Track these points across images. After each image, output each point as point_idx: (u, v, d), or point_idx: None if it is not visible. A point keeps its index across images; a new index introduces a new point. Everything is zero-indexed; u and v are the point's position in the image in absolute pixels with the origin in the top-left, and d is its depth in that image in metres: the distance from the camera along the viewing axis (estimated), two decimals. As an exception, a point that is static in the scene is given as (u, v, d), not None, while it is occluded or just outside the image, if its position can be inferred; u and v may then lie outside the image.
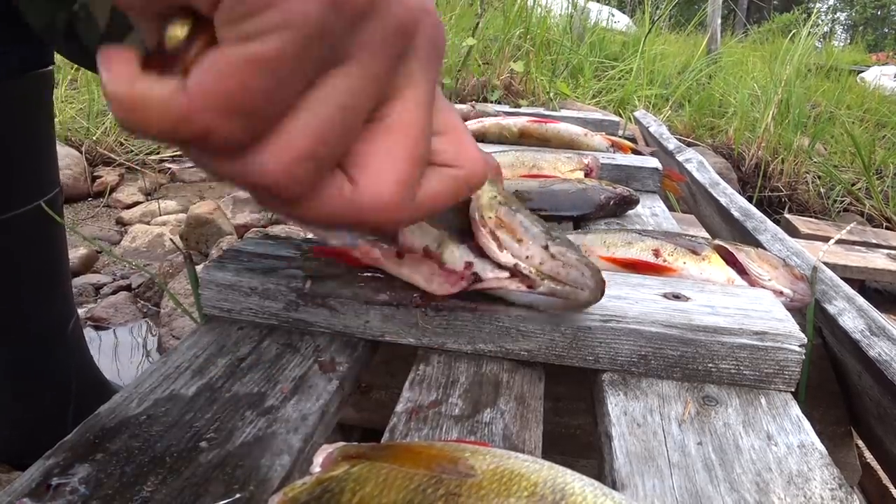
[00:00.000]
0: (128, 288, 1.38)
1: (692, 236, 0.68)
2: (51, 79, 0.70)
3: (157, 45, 0.22)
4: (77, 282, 1.38)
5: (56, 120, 2.10)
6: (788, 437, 0.40)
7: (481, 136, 1.30)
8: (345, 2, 0.21)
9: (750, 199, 2.08)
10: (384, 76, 0.23)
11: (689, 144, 2.08)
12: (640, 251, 0.65)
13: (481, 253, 0.44)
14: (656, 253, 0.64)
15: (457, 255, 0.45)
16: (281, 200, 0.23)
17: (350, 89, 0.22)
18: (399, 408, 0.42)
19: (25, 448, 0.74)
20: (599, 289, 0.44)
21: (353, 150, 0.24)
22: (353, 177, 0.24)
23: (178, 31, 0.22)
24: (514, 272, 0.44)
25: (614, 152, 1.24)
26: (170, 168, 2.12)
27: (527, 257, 0.44)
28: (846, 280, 0.72)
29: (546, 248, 0.44)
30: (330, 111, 0.22)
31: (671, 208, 1.54)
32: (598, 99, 2.94)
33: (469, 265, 0.44)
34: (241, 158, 0.22)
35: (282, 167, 0.22)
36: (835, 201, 2.49)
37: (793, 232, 1.81)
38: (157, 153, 2.18)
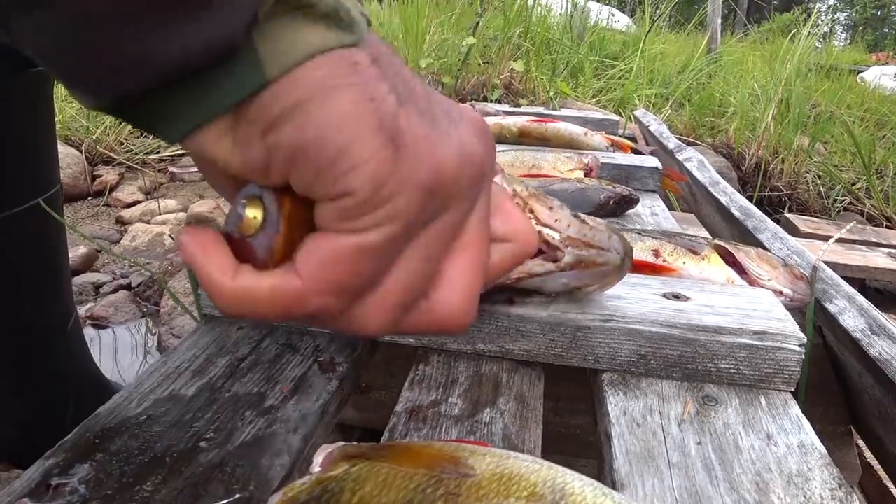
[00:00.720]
0: (128, 287, 1.38)
1: (692, 236, 0.68)
2: (51, 77, 0.70)
3: (236, 224, 0.24)
4: (77, 281, 1.38)
5: (56, 119, 2.09)
6: (788, 436, 0.40)
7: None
8: (438, 190, 0.23)
9: (750, 199, 2.08)
10: (463, 222, 0.26)
11: (689, 144, 2.08)
12: (639, 251, 0.65)
13: None
14: (656, 253, 0.64)
15: None
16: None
17: (435, 242, 0.25)
18: (399, 408, 0.42)
19: (25, 448, 0.74)
20: (627, 254, 0.44)
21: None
22: (427, 293, 0.26)
23: (254, 214, 0.23)
24: (537, 249, 0.44)
25: (614, 151, 1.24)
26: (170, 168, 2.12)
27: (556, 220, 0.44)
28: (846, 279, 0.71)
29: (576, 215, 0.44)
30: (419, 265, 0.25)
31: (671, 207, 1.54)
32: (598, 98, 2.94)
33: None
34: (343, 317, 0.25)
35: (379, 320, 0.25)
36: (835, 200, 2.49)
37: (793, 231, 1.81)
38: (157, 152, 2.18)
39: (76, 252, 1.45)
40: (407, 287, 0.25)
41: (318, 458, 0.30)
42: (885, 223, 2.33)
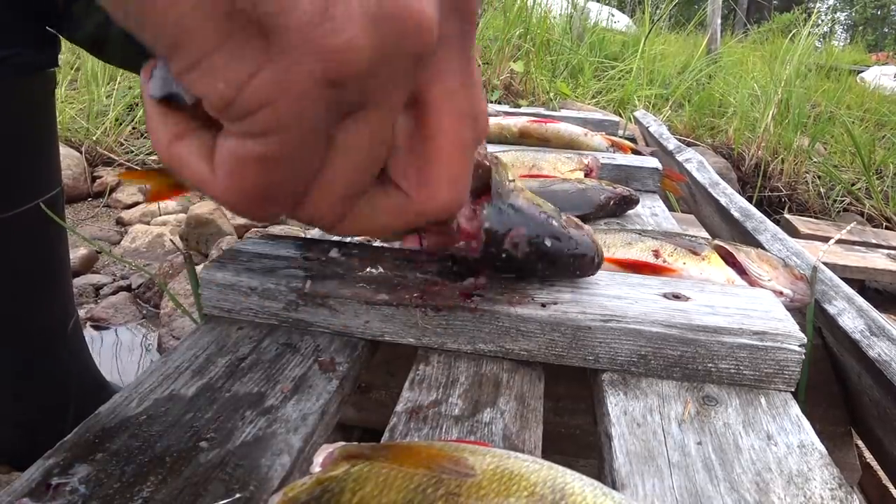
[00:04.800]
0: (128, 288, 1.38)
1: (692, 236, 0.68)
2: (53, 79, 0.70)
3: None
4: (77, 282, 1.38)
5: (56, 120, 2.09)
6: (788, 436, 0.40)
7: (481, 137, 1.30)
8: (340, 80, 0.18)
9: (750, 199, 2.08)
10: (401, 100, 0.22)
11: (689, 144, 2.08)
12: (640, 251, 0.65)
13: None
14: (656, 253, 0.64)
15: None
16: (336, 229, 0.24)
17: (370, 129, 0.21)
18: (399, 408, 0.42)
19: (25, 448, 0.74)
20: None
21: (397, 163, 0.24)
22: (405, 191, 0.24)
23: None
24: None
25: (614, 152, 1.24)
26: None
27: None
28: (846, 280, 0.72)
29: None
30: (357, 155, 0.21)
31: (671, 208, 1.54)
32: (597, 99, 2.94)
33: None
34: (293, 210, 0.22)
35: (329, 210, 0.22)
36: (835, 201, 2.49)
37: (793, 232, 1.81)
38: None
39: (76, 253, 1.45)
40: (353, 176, 0.21)
41: (319, 458, 0.30)
42: (884, 224, 2.34)
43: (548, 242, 0.47)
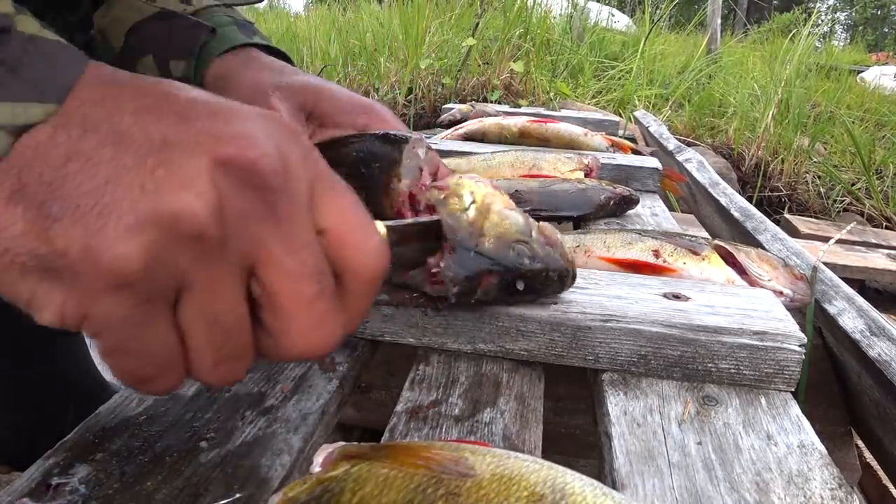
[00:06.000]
0: (128, 288, 1.38)
1: (692, 236, 0.68)
2: None
3: None
4: (77, 282, 1.38)
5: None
6: (788, 436, 0.40)
7: (481, 136, 1.30)
8: (125, 283, 0.22)
9: (750, 199, 2.08)
10: (219, 275, 0.23)
11: (689, 144, 2.08)
12: (640, 251, 0.65)
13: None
14: (656, 253, 0.64)
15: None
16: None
17: (200, 307, 0.23)
18: (399, 408, 0.42)
19: (25, 448, 0.74)
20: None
21: (262, 312, 0.25)
22: (271, 335, 0.26)
23: None
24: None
25: (614, 152, 1.24)
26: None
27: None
28: (846, 280, 0.72)
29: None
30: (204, 330, 0.24)
31: (671, 208, 1.54)
32: (597, 99, 2.94)
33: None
34: (184, 379, 0.26)
35: (211, 375, 0.25)
36: (835, 201, 2.49)
37: (793, 232, 1.81)
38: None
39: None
40: (214, 348, 0.24)
41: (319, 458, 0.30)
42: (884, 224, 2.34)
43: (520, 286, 0.44)
